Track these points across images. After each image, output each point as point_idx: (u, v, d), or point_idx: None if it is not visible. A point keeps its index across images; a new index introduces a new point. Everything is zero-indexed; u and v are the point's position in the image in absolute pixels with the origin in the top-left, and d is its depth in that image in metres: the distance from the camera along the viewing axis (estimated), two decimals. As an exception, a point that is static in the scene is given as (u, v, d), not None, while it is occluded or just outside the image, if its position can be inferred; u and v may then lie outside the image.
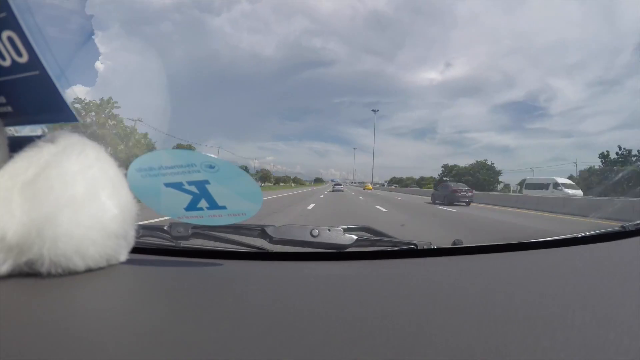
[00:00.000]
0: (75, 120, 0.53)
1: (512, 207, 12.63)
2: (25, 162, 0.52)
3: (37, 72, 0.49)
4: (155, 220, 0.91)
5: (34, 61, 0.48)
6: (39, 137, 0.56)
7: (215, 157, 0.57)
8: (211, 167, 0.57)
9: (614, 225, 0.94)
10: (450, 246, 0.85)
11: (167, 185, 0.59)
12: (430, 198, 13.76)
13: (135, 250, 0.65)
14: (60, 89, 0.51)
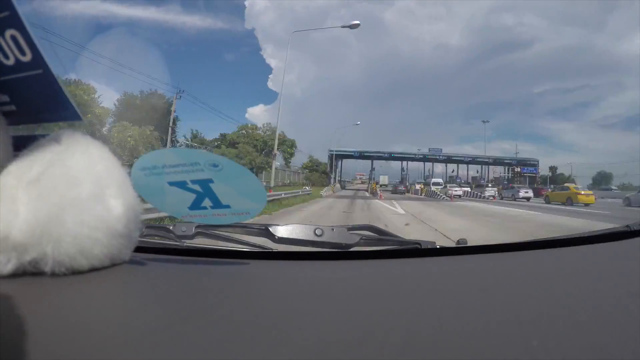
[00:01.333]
0: (79, 118, 0.53)
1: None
2: (29, 161, 0.52)
3: (40, 71, 0.49)
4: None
5: (38, 60, 0.48)
6: (42, 135, 0.56)
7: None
8: (215, 165, 0.56)
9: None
10: (455, 246, 0.85)
11: (171, 184, 0.59)
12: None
13: (139, 249, 0.65)
14: (63, 88, 0.51)
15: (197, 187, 0.59)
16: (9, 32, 0.47)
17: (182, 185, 0.59)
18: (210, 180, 0.58)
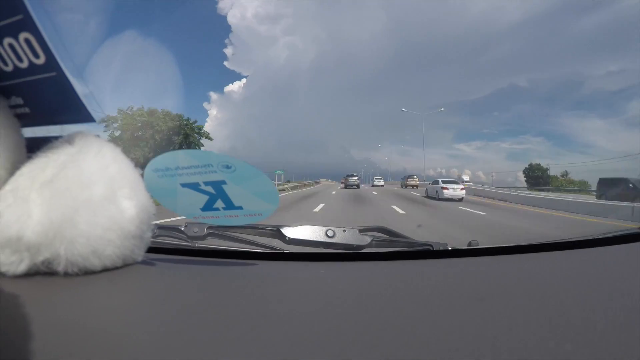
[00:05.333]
0: (92, 120, 0.53)
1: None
2: (42, 163, 0.52)
3: (54, 74, 0.49)
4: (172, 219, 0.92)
5: (51, 62, 0.49)
6: (56, 137, 0.56)
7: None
8: (228, 167, 0.56)
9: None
10: (466, 247, 0.84)
11: (184, 185, 0.59)
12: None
13: (151, 250, 0.65)
14: (77, 90, 0.51)
15: (209, 189, 0.59)
16: (22, 35, 0.47)
17: (194, 186, 0.59)
18: (223, 182, 0.58)
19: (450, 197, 13.71)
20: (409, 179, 28.51)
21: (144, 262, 0.62)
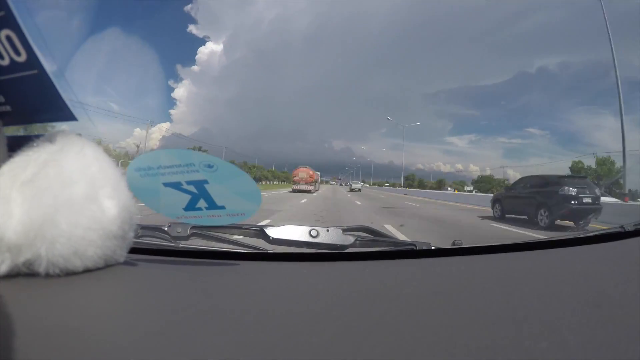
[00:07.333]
0: (74, 119, 0.53)
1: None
2: (24, 162, 0.52)
3: (35, 71, 0.49)
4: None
5: (33, 60, 0.48)
6: (37, 136, 0.56)
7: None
8: (210, 166, 0.57)
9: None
10: (450, 247, 0.85)
11: (166, 185, 0.59)
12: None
13: (134, 250, 0.65)
14: (58, 88, 0.51)
15: (192, 188, 0.59)
16: (4, 33, 0.47)
17: (177, 186, 0.59)
18: (205, 181, 0.58)
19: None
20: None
21: (126, 263, 0.61)
